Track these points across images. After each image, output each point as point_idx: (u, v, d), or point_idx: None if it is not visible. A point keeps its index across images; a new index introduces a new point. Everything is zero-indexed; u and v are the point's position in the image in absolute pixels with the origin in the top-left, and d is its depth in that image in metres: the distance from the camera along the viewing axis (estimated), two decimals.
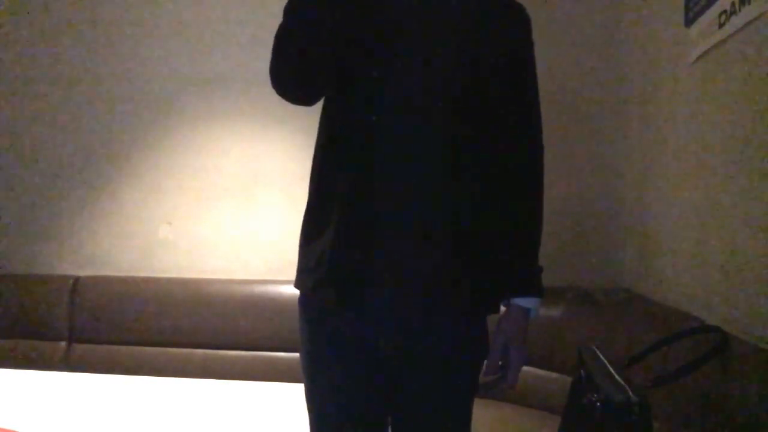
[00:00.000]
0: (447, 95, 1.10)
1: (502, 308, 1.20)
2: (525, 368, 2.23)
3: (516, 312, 1.16)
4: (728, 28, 1.53)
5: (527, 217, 1.19)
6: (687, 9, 1.81)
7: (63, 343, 2.71)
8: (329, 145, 1.16)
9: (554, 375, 2.10)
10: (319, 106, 1.21)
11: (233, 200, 2.84)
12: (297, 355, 1.23)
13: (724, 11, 1.54)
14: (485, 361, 1.17)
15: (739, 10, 1.47)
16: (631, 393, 1.09)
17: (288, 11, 1.08)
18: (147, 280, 2.76)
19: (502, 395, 2.10)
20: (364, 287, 1.10)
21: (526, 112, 1.19)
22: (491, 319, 1.19)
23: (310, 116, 1.30)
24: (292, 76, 1.10)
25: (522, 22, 1.18)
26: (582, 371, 1.28)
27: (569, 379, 1.35)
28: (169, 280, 2.74)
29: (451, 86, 1.10)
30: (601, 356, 1.28)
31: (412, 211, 1.09)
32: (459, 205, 1.12)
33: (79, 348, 2.70)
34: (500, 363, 1.16)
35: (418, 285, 1.10)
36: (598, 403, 1.12)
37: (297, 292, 1.21)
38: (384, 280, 1.09)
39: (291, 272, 1.25)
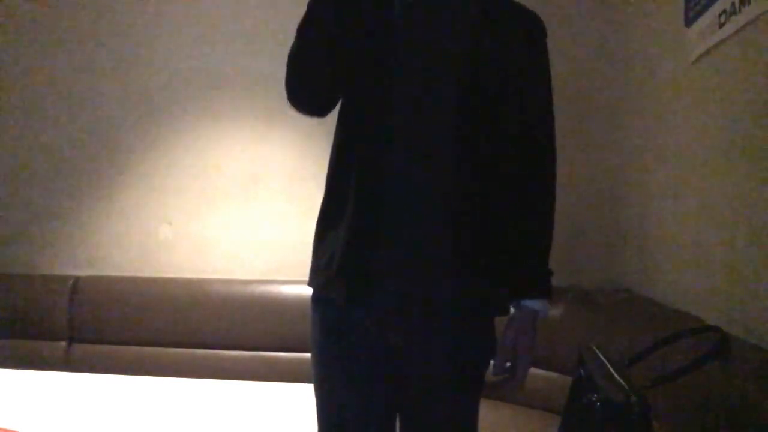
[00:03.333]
0: (459, 100, 1.12)
1: (512, 309, 1.21)
2: None
3: (526, 313, 1.18)
4: (728, 28, 1.53)
5: (539, 220, 1.21)
6: (687, 9, 1.81)
7: (63, 343, 2.71)
8: (343, 147, 1.19)
9: (554, 375, 2.10)
10: None
11: (233, 200, 2.84)
12: (297, 355, 1.24)
13: (724, 11, 1.54)
14: (492, 361, 1.19)
15: (739, 10, 1.47)
16: (631, 393, 1.09)
17: (300, 30, 1.11)
18: (147, 280, 2.76)
19: (508, 395, 2.10)
20: (373, 286, 1.12)
21: (538, 119, 1.21)
22: (499, 320, 1.20)
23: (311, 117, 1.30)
24: (306, 92, 1.17)
25: (536, 30, 1.20)
26: (582, 371, 1.28)
27: (569, 379, 1.35)
28: (169, 280, 2.74)
29: (464, 91, 1.12)
30: (601, 356, 1.28)
31: (423, 212, 1.11)
32: (469, 207, 1.14)
33: (79, 348, 2.70)
34: (508, 364, 1.17)
35: (424, 285, 1.12)
36: (598, 403, 1.12)
37: (298, 291, 1.22)
38: (392, 279, 1.11)
39: (291, 272, 1.26)
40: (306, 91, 1.16)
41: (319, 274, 1.19)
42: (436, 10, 1.15)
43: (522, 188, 1.19)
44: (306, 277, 1.24)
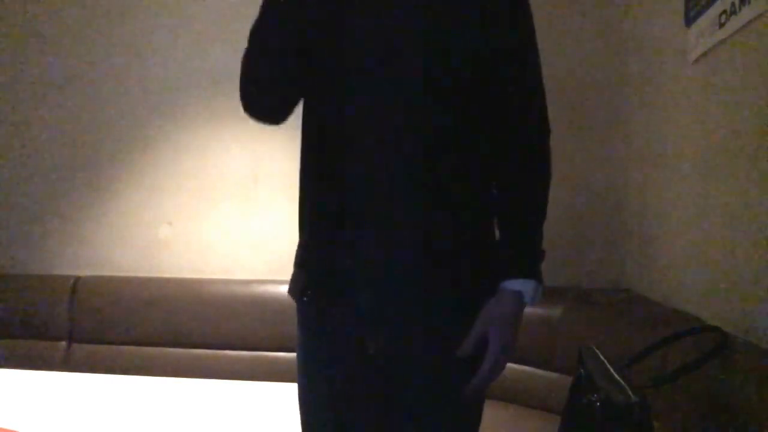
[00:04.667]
0: (425, 86, 1.02)
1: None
2: (525, 368, 2.24)
3: (501, 295, 1.04)
4: (728, 28, 1.53)
5: (521, 199, 1.09)
6: (687, 9, 1.81)
7: (63, 343, 2.71)
8: (306, 146, 1.15)
9: (554, 375, 2.10)
10: None
11: (233, 200, 2.84)
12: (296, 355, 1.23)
13: (724, 11, 1.54)
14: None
15: (739, 10, 1.47)
16: (631, 393, 1.09)
17: (252, 35, 1.09)
18: (147, 280, 2.76)
19: (502, 395, 2.10)
20: (344, 289, 1.06)
21: (526, 91, 1.10)
22: None
23: None
24: (258, 98, 1.13)
25: None
26: (582, 371, 1.28)
27: (569, 379, 1.35)
28: (169, 280, 2.74)
29: (430, 75, 1.02)
30: (601, 356, 1.28)
31: (389, 210, 1.03)
32: (439, 201, 1.04)
33: (79, 348, 2.70)
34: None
35: (397, 287, 1.04)
36: (598, 403, 1.12)
37: None
38: (364, 281, 1.04)
39: (291, 272, 1.26)
40: (256, 97, 1.13)
41: (295, 280, 1.17)
42: None
43: (506, 170, 1.09)
44: None
